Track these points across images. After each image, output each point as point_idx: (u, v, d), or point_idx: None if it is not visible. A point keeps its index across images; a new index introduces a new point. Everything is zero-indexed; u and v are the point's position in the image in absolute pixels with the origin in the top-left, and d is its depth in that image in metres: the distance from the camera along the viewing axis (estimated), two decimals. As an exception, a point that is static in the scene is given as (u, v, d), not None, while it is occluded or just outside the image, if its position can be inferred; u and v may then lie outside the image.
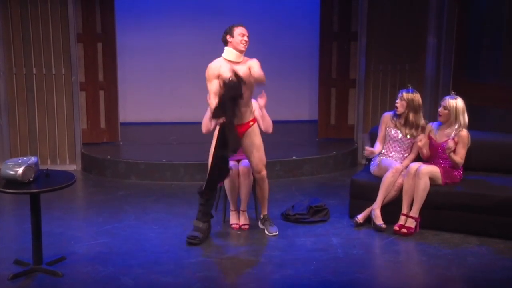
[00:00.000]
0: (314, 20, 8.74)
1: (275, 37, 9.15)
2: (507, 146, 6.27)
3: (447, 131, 6.09)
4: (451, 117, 6.05)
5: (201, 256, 5.48)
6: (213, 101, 5.55)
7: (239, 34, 5.72)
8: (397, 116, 6.27)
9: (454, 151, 6.00)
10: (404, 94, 6.22)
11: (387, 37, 8.22)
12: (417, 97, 6.21)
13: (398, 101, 6.23)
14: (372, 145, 6.38)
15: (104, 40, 8.19)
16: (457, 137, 6.04)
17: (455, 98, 6.07)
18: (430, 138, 6.16)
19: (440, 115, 6.10)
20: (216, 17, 8.99)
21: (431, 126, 6.22)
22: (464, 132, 6.05)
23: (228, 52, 5.75)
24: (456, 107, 6.03)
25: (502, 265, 5.30)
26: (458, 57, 8.09)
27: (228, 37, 5.75)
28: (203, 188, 5.72)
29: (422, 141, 6.05)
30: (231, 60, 5.71)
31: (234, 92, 5.48)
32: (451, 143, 5.94)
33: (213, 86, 5.63)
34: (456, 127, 6.05)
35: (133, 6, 9.02)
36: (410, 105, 6.19)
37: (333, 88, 8.53)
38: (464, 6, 7.99)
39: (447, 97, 6.13)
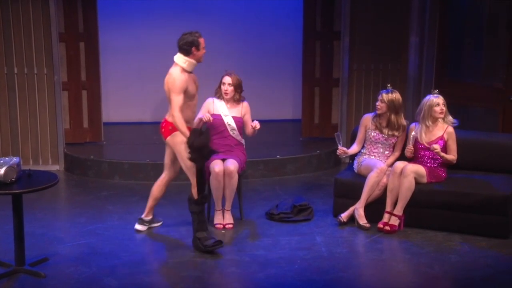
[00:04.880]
0: (297, 19, 8.75)
1: (259, 36, 9.15)
2: (490, 144, 6.31)
3: (436, 131, 6.08)
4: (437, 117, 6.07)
5: (185, 255, 5.47)
6: (179, 115, 5.43)
7: (202, 49, 5.57)
8: (378, 116, 6.26)
9: (445, 151, 6.03)
10: (384, 95, 6.16)
11: (370, 36, 8.24)
12: (397, 96, 6.15)
13: (378, 102, 6.19)
14: (348, 146, 6.37)
15: (87, 40, 8.14)
16: (446, 134, 6.07)
17: (438, 97, 6.10)
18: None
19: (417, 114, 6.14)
20: (199, 17, 8.97)
21: (414, 126, 6.21)
22: (451, 128, 6.09)
23: (190, 64, 5.57)
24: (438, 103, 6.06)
25: (484, 262, 5.34)
26: (440, 56, 8.14)
27: (193, 49, 5.53)
28: (199, 194, 5.57)
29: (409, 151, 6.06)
30: (190, 72, 5.60)
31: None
32: (436, 146, 5.95)
33: (181, 100, 5.48)
34: (445, 126, 6.07)
35: (116, 6, 8.97)
36: (391, 106, 6.15)
37: (317, 87, 8.54)
38: (446, 5, 8.03)
39: (429, 96, 6.14)
